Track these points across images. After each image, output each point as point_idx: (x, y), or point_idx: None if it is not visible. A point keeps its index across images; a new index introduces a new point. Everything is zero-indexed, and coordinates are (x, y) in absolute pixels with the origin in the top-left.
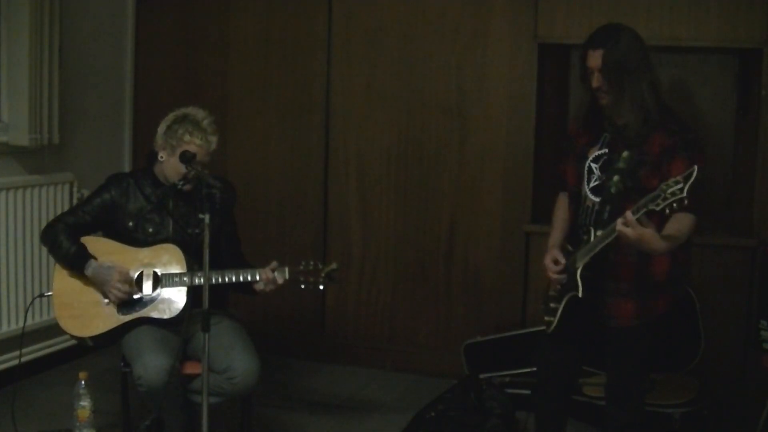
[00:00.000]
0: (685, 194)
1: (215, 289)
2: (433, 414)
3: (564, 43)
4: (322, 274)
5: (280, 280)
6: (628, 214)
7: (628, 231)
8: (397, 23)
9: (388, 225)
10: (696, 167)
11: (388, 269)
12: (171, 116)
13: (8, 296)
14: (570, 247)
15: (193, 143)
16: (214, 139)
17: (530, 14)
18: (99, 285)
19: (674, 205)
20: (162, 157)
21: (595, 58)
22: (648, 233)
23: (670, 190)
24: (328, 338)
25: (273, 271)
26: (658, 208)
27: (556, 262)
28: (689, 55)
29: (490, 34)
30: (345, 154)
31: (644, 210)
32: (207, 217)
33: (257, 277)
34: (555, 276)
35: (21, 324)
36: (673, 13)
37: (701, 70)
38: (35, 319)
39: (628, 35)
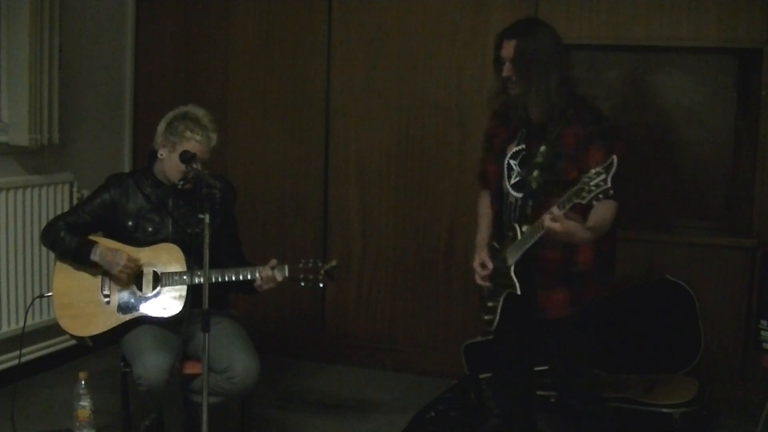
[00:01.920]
0: (609, 184)
1: (215, 289)
2: (433, 414)
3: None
4: (322, 272)
5: (279, 278)
6: (555, 209)
7: (556, 226)
8: (397, 23)
9: (388, 225)
10: (615, 157)
11: (388, 269)
12: (171, 114)
13: (8, 296)
14: (496, 245)
15: (194, 139)
16: (214, 136)
17: (530, 14)
18: (107, 267)
19: (600, 195)
20: (162, 155)
21: (508, 48)
22: (574, 226)
23: (593, 182)
24: (328, 338)
25: (272, 268)
26: (584, 201)
27: (483, 265)
28: (689, 55)
29: (490, 34)
30: (345, 154)
31: (570, 204)
32: (207, 217)
33: (256, 275)
34: (480, 282)
35: (21, 324)
36: (673, 13)
37: (701, 70)
38: (35, 319)
39: (544, 30)
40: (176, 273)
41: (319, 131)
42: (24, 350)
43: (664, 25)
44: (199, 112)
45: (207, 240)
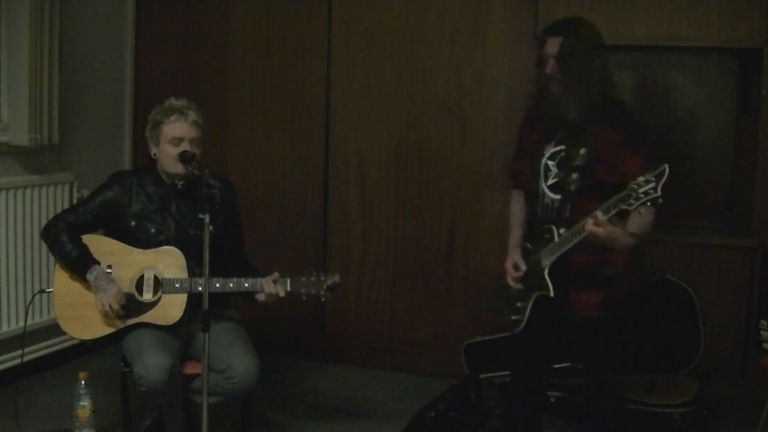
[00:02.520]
0: (659, 193)
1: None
2: (433, 414)
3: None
4: (324, 287)
5: (281, 294)
6: (599, 214)
7: (599, 231)
8: (397, 23)
9: (388, 225)
10: (666, 166)
11: (388, 269)
12: (149, 117)
13: (8, 296)
14: (529, 245)
15: (170, 122)
16: (191, 113)
17: (530, 14)
18: (94, 290)
19: (648, 203)
20: (155, 154)
21: (552, 45)
22: (618, 231)
23: (642, 190)
24: (328, 338)
25: (274, 282)
26: (631, 208)
27: (516, 267)
28: (689, 55)
29: (490, 34)
30: (345, 154)
31: (615, 210)
32: (207, 217)
33: (258, 288)
34: (512, 283)
35: (21, 324)
36: (673, 13)
37: (701, 70)
38: (35, 319)
39: (589, 28)
40: (177, 280)
41: (319, 131)
42: (24, 350)
43: (664, 25)
44: (172, 100)
45: (207, 240)
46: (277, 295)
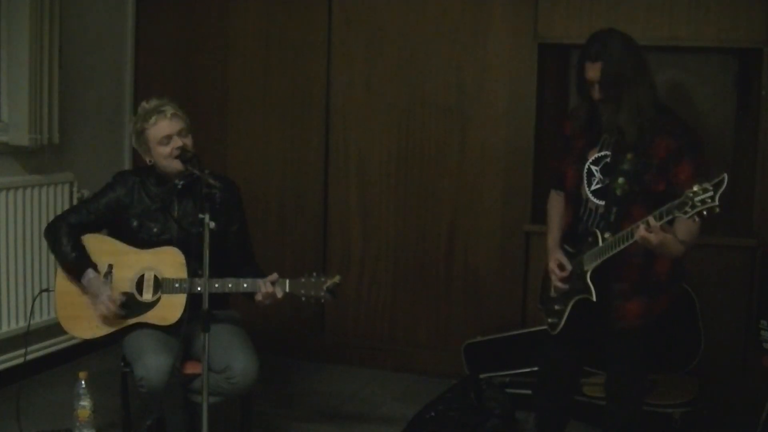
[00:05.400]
0: (717, 203)
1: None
2: (433, 414)
3: (564, 43)
4: (324, 288)
5: (279, 294)
6: (652, 220)
7: (652, 237)
8: (397, 23)
9: (388, 225)
10: (725, 175)
11: (388, 269)
12: (131, 130)
13: (8, 296)
14: (568, 248)
15: (151, 125)
16: (167, 108)
17: (530, 14)
18: (90, 295)
19: (704, 213)
20: (150, 160)
21: (594, 71)
22: (670, 239)
23: (698, 198)
24: (328, 338)
25: (273, 283)
26: (686, 216)
27: (561, 267)
28: (689, 55)
29: (490, 34)
30: (345, 154)
31: (669, 217)
32: (207, 217)
33: (257, 289)
34: (558, 284)
35: (21, 324)
36: (673, 13)
37: (701, 70)
38: (35, 319)
39: (623, 42)
40: (176, 280)
41: (319, 131)
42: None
43: (664, 25)
44: (144, 105)
45: (207, 240)
46: (274, 295)
